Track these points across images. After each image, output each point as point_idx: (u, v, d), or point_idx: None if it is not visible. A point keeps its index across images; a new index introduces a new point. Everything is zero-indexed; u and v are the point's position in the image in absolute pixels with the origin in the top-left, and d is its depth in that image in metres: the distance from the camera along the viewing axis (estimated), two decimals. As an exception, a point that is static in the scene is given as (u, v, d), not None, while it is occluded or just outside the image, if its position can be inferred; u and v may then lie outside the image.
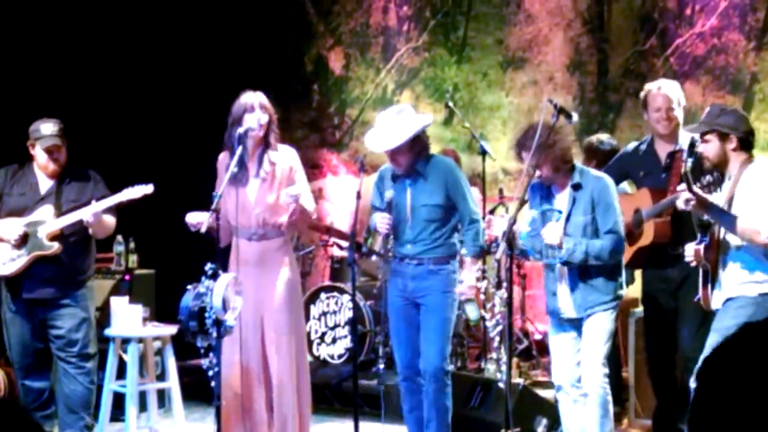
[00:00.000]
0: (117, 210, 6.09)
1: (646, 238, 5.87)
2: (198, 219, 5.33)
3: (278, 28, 10.27)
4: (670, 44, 8.58)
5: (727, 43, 8.36)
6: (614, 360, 6.44)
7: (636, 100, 8.74)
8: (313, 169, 10.08)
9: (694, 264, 4.99)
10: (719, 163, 4.94)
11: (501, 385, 5.37)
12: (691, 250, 4.96)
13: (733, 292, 4.88)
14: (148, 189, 5.96)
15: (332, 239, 8.26)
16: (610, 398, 5.40)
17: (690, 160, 4.81)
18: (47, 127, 6.05)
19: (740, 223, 4.75)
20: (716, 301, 4.96)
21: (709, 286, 4.94)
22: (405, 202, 5.76)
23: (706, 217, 4.88)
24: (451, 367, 5.90)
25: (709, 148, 4.91)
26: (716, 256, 4.91)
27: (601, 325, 5.34)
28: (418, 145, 5.71)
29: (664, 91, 5.92)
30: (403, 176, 5.77)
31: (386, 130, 5.70)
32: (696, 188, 4.76)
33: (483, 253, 6.02)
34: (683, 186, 4.83)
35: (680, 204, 4.94)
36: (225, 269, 5.39)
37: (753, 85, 8.27)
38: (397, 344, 5.89)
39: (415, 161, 5.73)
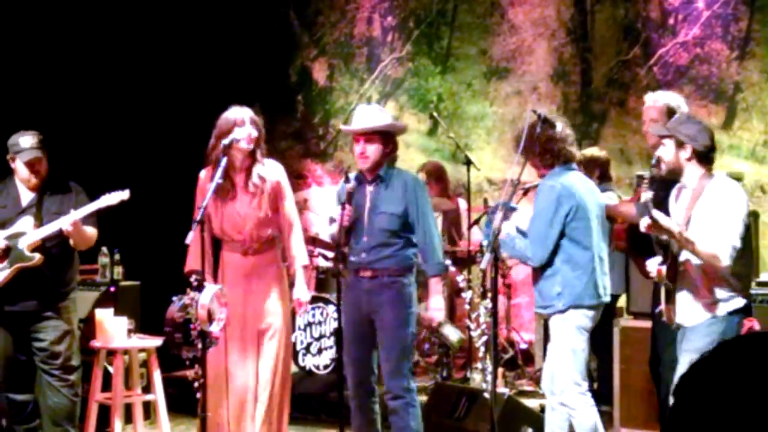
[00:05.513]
0: (97, 220, 6.04)
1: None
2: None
3: (262, 38, 10.27)
4: (653, 54, 8.61)
5: (710, 53, 8.40)
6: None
7: (619, 109, 8.80)
8: (298, 179, 10.08)
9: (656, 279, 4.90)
10: (673, 169, 4.88)
11: (486, 395, 5.35)
12: (654, 266, 4.86)
13: (700, 313, 4.81)
14: (124, 195, 5.91)
15: (317, 250, 8.24)
16: (569, 414, 5.21)
17: (649, 186, 4.73)
18: (26, 140, 5.97)
19: (699, 247, 4.67)
20: (681, 316, 4.87)
21: (672, 303, 4.85)
22: (364, 208, 5.65)
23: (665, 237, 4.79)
24: (414, 384, 5.66)
25: (665, 152, 4.88)
26: (676, 271, 4.83)
27: (553, 330, 5.25)
28: (390, 144, 5.66)
29: (648, 104, 5.92)
30: (366, 182, 5.68)
31: (366, 115, 5.66)
32: (655, 213, 4.63)
33: (446, 269, 5.93)
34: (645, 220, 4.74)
35: (642, 228, 4.80)
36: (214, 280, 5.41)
37: (736, 95, 8.31)
38: (349, 363, 5.70)
39: (382, 162, 5.65)
